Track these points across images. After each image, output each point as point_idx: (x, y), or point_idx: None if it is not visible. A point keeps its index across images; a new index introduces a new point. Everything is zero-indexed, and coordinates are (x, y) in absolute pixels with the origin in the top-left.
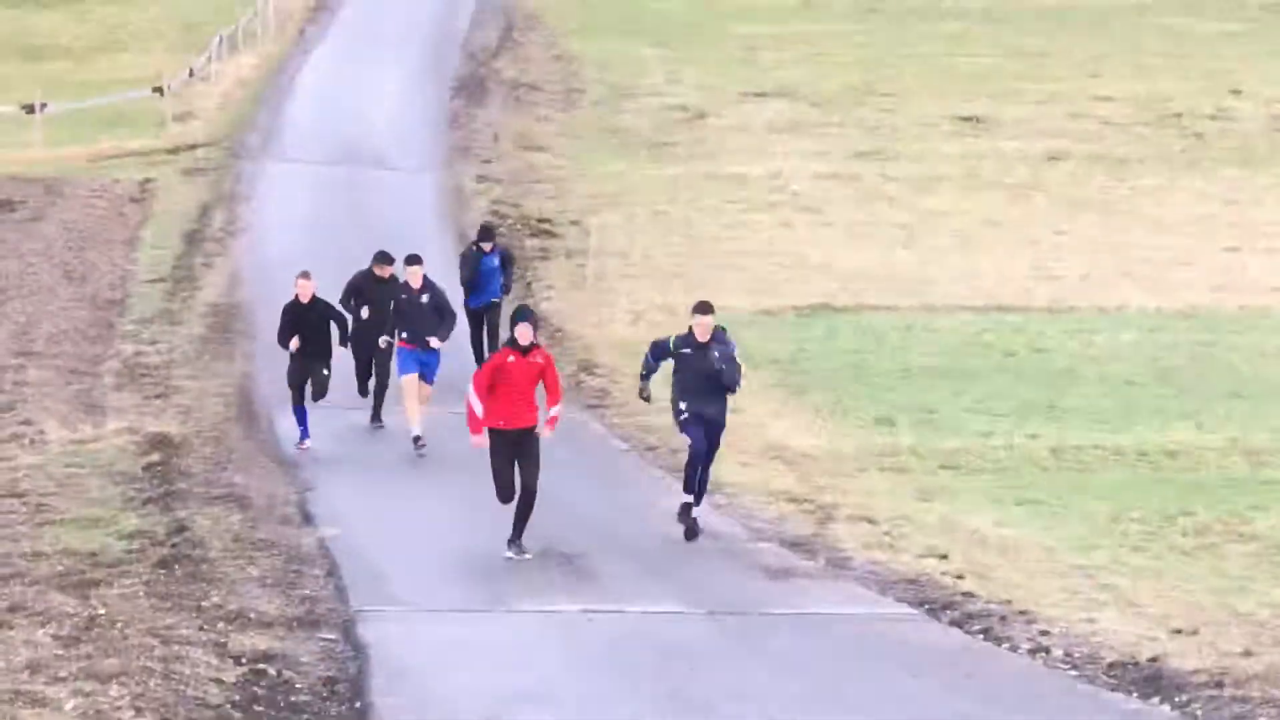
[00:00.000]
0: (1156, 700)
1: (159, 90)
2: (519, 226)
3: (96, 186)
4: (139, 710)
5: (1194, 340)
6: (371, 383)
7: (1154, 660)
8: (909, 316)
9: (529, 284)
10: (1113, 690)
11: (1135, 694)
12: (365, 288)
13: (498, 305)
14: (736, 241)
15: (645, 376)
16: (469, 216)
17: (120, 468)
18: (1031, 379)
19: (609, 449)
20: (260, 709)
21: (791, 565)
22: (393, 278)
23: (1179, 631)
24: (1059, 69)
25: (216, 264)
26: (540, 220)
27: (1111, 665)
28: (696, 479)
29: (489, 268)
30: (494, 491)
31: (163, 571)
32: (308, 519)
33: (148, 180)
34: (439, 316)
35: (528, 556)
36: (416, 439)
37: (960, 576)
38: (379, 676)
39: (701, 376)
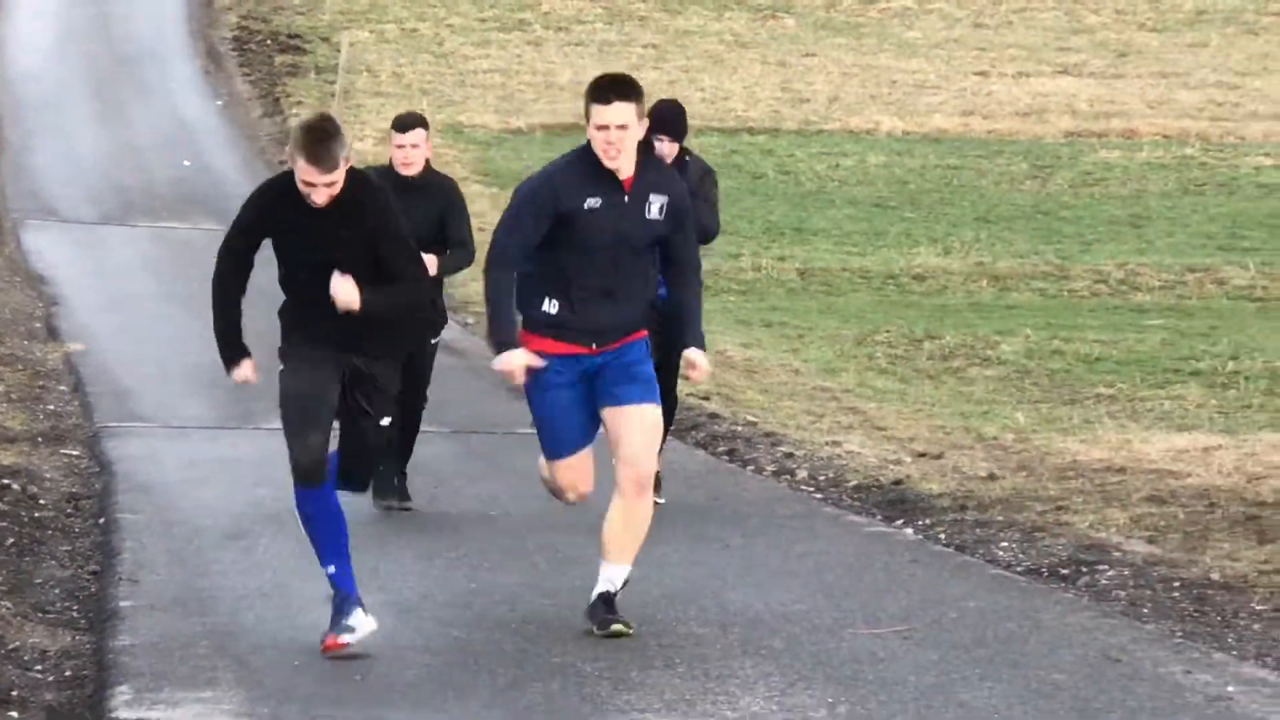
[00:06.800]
0: (900, 523)
1: None
2: (268, 42)
3: None
4: None
5: (942, 165)
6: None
7: (898, 483)
8: None
9: (276, 100)
10: (857, 513)
11: (879, 516)
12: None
13: (694, 286)
14: (486, 60)
15: None
16: (219, 32)
17: None
18: (780, 201)
19: None
20: (4, 524)
21: None
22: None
23: (923, 455)
24: None
25: None
26: (290, 35)
27: (856, 488)
28: None
29: None
30: None
31: None
32: (54, 334)
33: None
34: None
35: None
36: (605, 602)
37: (706, 398)
38: (123, 493)
39: None
